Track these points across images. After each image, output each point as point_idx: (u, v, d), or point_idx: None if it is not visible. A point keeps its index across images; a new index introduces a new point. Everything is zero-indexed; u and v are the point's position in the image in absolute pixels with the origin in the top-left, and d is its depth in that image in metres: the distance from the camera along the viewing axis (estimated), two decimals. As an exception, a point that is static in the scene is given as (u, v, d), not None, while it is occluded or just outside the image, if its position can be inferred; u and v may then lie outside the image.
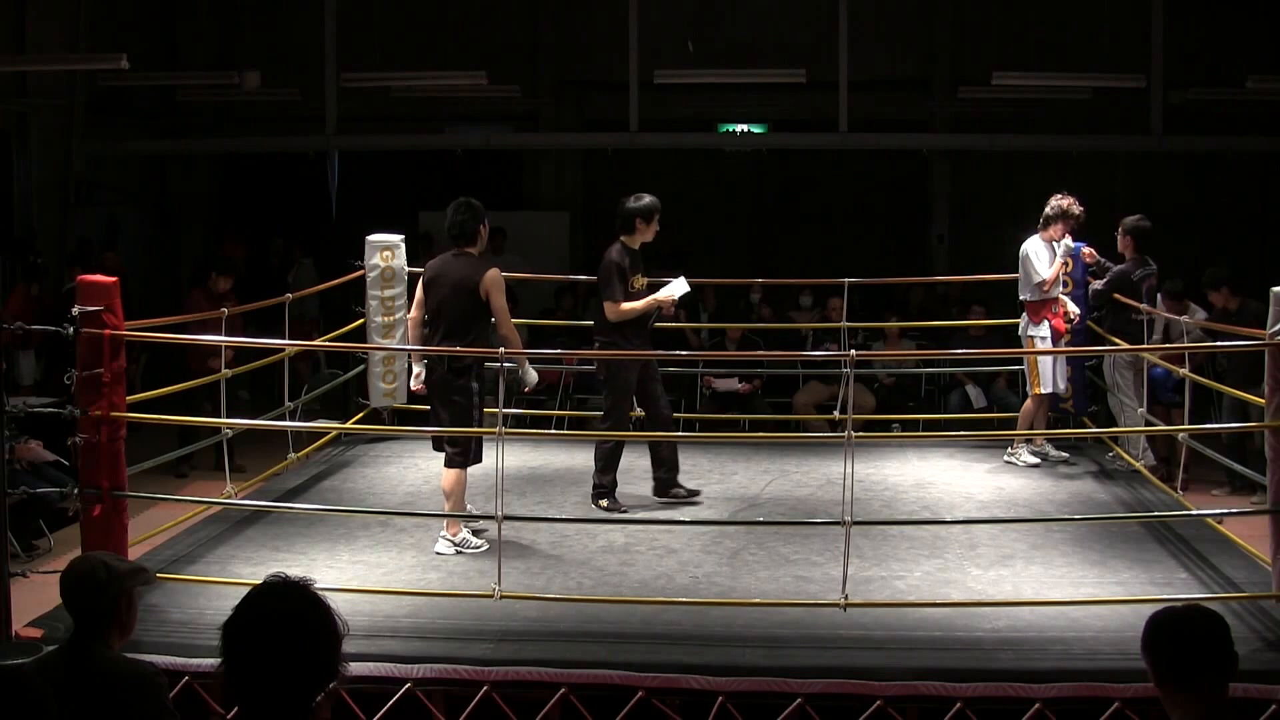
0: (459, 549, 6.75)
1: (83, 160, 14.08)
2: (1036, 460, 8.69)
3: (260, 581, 2.59)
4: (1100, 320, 9.20)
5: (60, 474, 7.99)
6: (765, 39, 15.49)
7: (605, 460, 7.48)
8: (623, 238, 7.54)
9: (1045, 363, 8.65)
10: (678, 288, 7.62)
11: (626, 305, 7.40)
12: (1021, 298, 8.81)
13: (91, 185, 14.36)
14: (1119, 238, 9.16)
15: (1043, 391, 8.70)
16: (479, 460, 6.91)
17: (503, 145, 15.86)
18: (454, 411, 6.82)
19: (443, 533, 6.82)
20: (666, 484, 7.66)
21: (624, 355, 7.43)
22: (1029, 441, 8.77)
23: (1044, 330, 8.66)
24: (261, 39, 15.72)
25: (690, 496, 7.68)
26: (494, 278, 6.83)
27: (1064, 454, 8.87)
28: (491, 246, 11.79)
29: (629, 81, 13.49)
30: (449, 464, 6.84)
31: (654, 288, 7.63)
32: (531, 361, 7.31)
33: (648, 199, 7.56)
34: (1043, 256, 8.66)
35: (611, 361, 7.49)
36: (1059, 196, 8.74)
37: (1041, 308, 8.68)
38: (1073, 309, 8.81)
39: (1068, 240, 8.75)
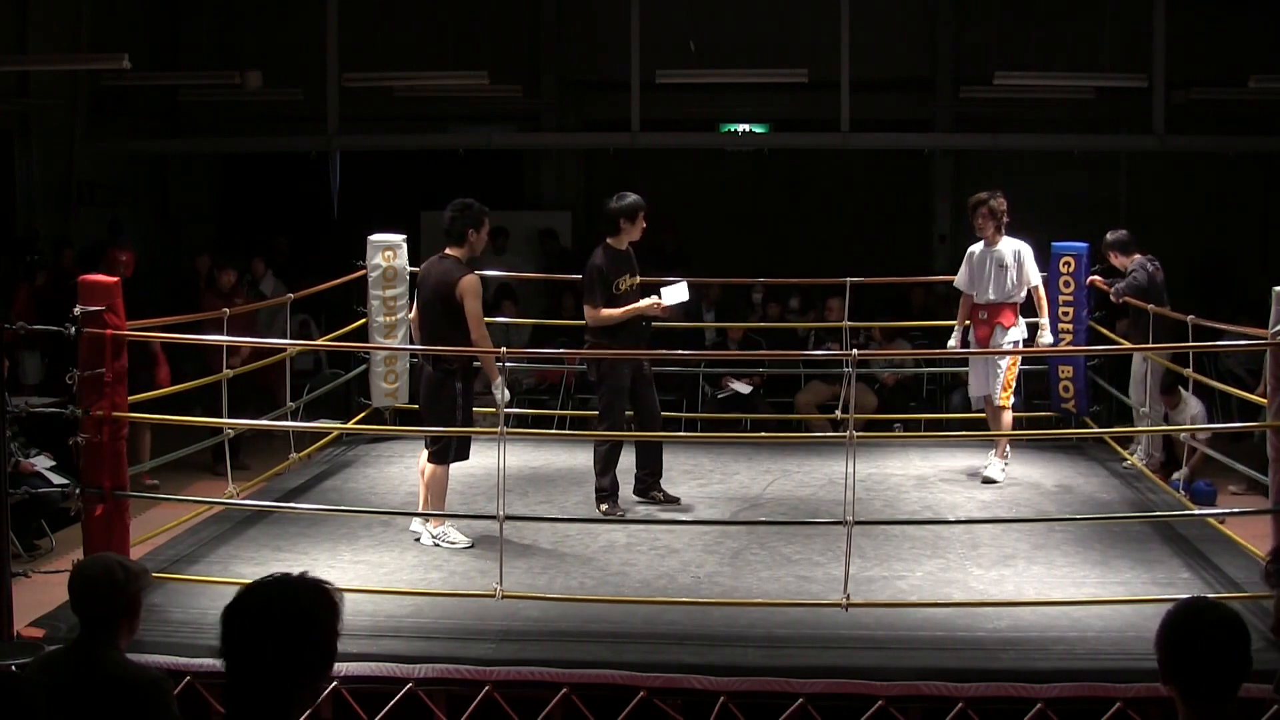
0: (436, 541, 6.81)
1: (84, 160, 14.07)
2: (1002, 478, 8.19)
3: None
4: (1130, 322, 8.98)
5: (54, 475, 7.96)
6: (766, 39, 15.46)
7: (604, 462, 7.44)
8: (608, 239, 7.49)
9: (1016, 370, 8.35)
10: (675, 294, 7.55)
11: (606, 311, 7.38)
12: (993, 299, 8.25)
13: (93, 185, 14.35)
14: (1112, 257, 8.94)
15: (1011, 401, 8.32)
16: (462, 458, 6.95)
17: (504, 145, 15.82)
18: (438, 411, 6.88)
19: (426, 525, 6.92)
20: (647, 485, 7.65)
21: (622, 355, 7.41)
22: (1002, 454, 8.34)
23: (1022, 333, 8.34)
24: (263, 39, 15.69)
25: (668, 502, 7.63)
26: (468, 284, 6.81)
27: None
28: (493, 246, 11.83)
29: (630, 81, 13.47)
30: (430, 459, 6.92)
31: (649, 290, 7.57)
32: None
33: (631, 197, 7.47)
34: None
35: (604, 362, 7.46)
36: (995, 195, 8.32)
37: (1015, 310, 8.34)
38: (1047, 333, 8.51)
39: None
